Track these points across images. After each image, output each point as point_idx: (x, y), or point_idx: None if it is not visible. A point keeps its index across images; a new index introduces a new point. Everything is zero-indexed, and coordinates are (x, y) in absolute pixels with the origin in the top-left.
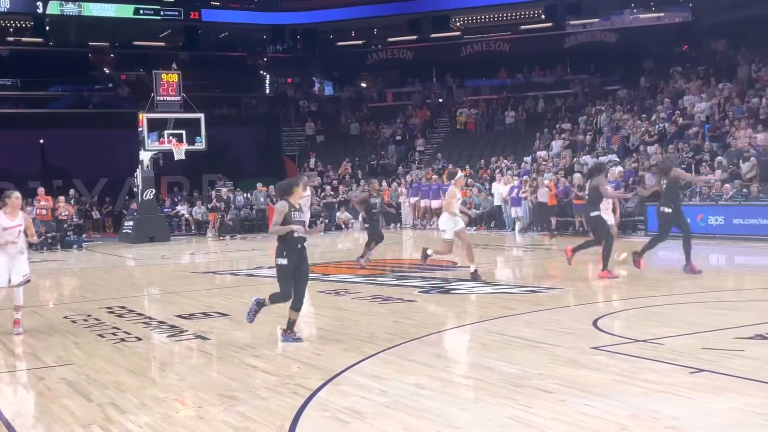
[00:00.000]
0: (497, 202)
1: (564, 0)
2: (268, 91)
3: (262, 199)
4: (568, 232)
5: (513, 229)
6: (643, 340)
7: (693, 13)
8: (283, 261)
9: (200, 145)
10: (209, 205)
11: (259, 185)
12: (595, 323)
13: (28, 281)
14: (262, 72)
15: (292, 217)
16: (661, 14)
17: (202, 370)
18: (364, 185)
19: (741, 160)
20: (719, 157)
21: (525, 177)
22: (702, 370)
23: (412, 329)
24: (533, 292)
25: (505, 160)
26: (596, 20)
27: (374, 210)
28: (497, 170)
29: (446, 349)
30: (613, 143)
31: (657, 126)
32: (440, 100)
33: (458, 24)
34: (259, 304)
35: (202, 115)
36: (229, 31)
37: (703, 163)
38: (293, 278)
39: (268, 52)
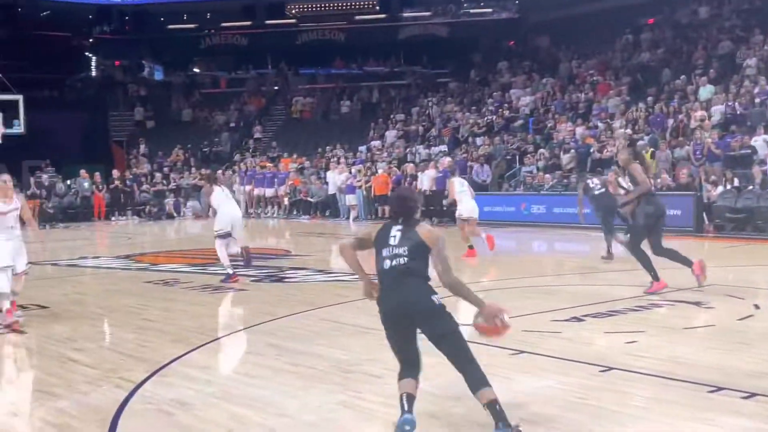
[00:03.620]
0: (332, 190)
1: None
2: (94, 73)
3: (86, 186)
4: None
5: (347, 218)
6: (467, 324)
7: (519, 10)
8: None
9: (18, 128)
10: (28, 192)
11: (82, 171)
12: None
13: (26, 273)
14: (87, 53)
15: None
16: (490, 9)
17: (18, 365)
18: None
19: (562, 152)
20: (541, 149)
21: (359, 166)
22: (522, 352)
23: (243, 318)
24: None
25: (340, 149)
26: (429, 13)
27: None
28: (332, 159)
29: (278, 337)
30: (443, 134)
31: (485, 118)
32: (276, 88)
33: (294, 12)
34: None
35: (20, 97)
36: (52, 9)
37: (527, 155)
38: None
39: (95, 33)
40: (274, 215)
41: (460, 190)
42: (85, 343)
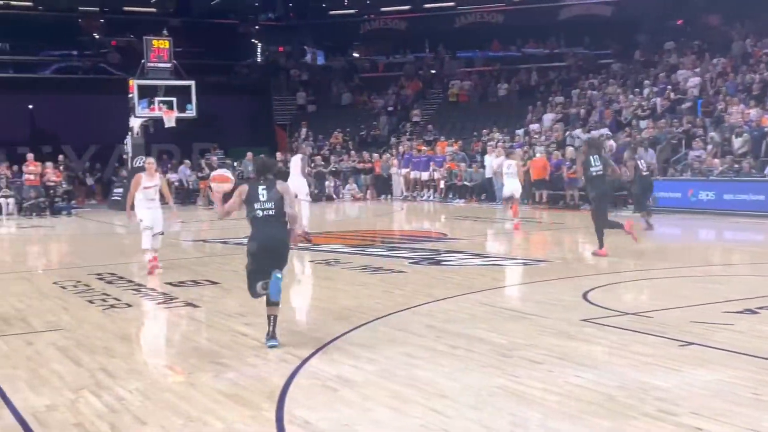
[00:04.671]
0: (488, 174)
1: None
2: (259, 59)
3: (251, 168)
4: (558, 205)
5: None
6: (633, 313)
7: None
8: None
9: (191, 112)
10: (200, 174)
11: (249, 154)
12: (585, 296)
13: (162, 233)
14: (253, 40)
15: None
16: None
17: (192, 337)
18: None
19: (733, 136)
20: (711, 133)
21: (518, 150)
22: (690, 343)
23: (402, 300)
24: (524, 264)
25: (498, 133)
26: None
27: None
28: (489, 143)
29: (436, 319)
30: (605, 117)
31: (650, 100)
32: (433, 72)
33: None
34: None
35: (193, 83)
36: None
37: (696, 138)
38: None
39: (260, 20)
40: (430, 199)
41: (506, 171)
42: (254, 318)
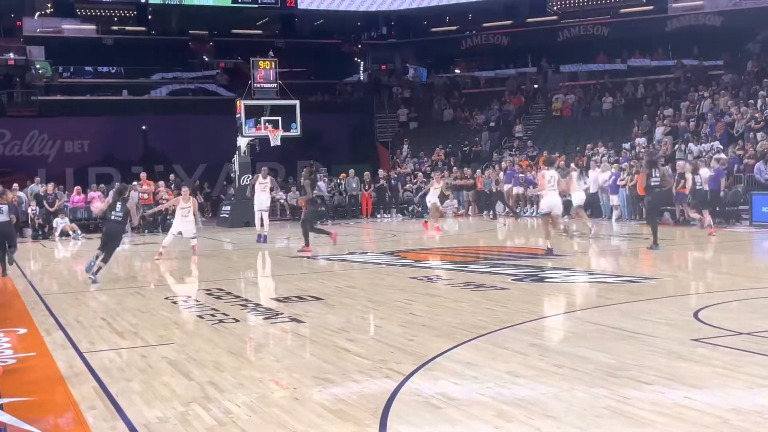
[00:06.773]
0: (593, 189)
1: None
2: (362, 77)
3: (353, 185)
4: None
5: (610, 218)
6: (747, 333)
7: None
8: None
9: (295, 131)
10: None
11: (351, 171)
12: (696, 314)
13: (194, 238)
14: (356, 59)
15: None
16: None
17: (297, 352)
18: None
19: None
20: None
21: (624, 164)
22: None
23: (505, 317)
24: (630, 281)
25: (603, 147)
26: (700, 2)
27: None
28: (593, 157)
29: (540, 337)
30: (716, 130)
31: (764, 112)
32: (535, 86)
33: (555, 8)
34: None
35: (297, 102)
36: (325, 18)
37: None
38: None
39: (363, 39)
40: (534, 214)
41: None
42: (357, 334)
